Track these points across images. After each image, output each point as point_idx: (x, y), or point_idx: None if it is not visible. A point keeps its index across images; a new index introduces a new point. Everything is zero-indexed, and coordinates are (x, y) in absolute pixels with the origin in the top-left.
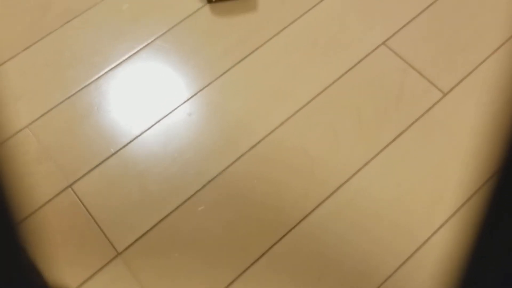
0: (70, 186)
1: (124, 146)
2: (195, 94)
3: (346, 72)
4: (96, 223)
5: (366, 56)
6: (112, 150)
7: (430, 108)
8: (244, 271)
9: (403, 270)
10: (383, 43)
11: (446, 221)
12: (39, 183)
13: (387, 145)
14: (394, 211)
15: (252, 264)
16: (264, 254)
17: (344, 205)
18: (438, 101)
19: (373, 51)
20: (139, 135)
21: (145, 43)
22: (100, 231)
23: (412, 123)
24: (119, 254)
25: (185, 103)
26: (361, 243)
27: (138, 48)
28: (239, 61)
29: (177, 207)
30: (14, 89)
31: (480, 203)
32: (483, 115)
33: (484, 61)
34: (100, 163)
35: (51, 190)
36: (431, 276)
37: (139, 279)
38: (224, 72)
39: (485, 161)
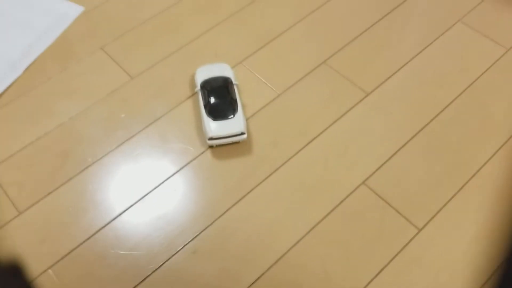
0: None
1: (143, 280)
2: (200, 233)
3: (331, 211)
4: None
5: (348, 195)
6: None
7: (407, 244)
8: None
9: None
10: (363, 182)
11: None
12: None
13: (372, 279)
14: None
15: None
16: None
17: None
18: (414, 237)
19: (354, 190)
20: (154, 271)
21: (155, 186)
22: None
23: (392, 259)
24: None
25: (191, 242)
26: None
27: (150, 190)
28: (237, 201)
29: None
30: (38, 233)
31: None
32: (454, 249)
33: (453, 196)
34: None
35: None
36: None
37: None
38: (224, 213)
39: None
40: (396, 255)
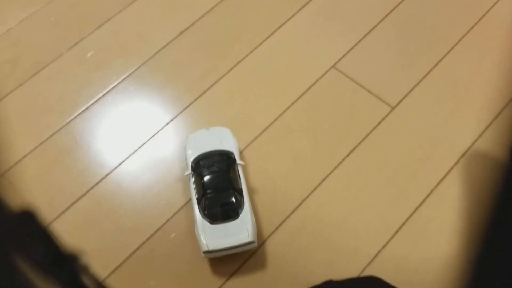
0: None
1: (95, 185)
2: (159, 131)
3: (300, 96)
4: None
5: (318, 80)
6: (85, 190)
7: (379, 122)
8: None
9: (366, 272)
10: (333, 66)
11: (402, 225)
12: None
13: (342, 161)
14: (353, 221)
15: (221, 285)
16: (232, 275)
17: (308, 219)
18: (387, 115)
19: (323, 75)
20: (109, 173)
21: (111, 87)
22: None
23: (365, 137)
24: None
25: (151, 139)
26: (324, 252)
27: (104, 92)
28: (202, 94)
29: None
30: None
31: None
32: (429, 124)
33: (427, 74)
34: (73, 203)
35: None
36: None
37: None
38: (188, 105)
39: (433, 166)
40: (369, 133)
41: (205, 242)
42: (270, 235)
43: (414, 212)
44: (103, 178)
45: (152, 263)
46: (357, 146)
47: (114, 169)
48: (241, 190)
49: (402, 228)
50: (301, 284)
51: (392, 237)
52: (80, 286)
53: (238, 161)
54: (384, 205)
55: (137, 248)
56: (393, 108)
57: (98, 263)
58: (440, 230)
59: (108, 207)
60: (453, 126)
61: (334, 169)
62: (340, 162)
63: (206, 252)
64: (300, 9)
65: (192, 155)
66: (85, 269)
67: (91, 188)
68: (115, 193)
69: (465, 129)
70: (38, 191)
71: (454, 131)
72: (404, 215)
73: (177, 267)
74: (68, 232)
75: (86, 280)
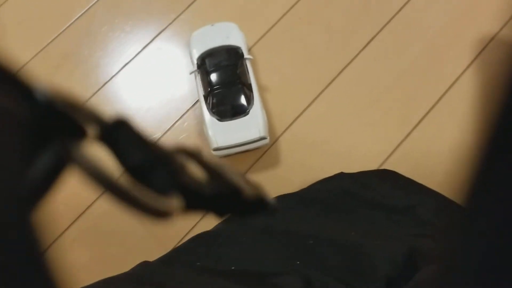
0: None
1: (99, 89)
2: (163, 30)
3: None
4: None
5: None
6: (90, 94)
7: (398, 12)
8: None
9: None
10: None
11: (424, 117)
12: None
13: (358, 53)
14: (370, 113)
15: None
16: (245, 173)
17: (323, 113)
18: (406, 3)
19: None
20: (113, 76)
21: None
22: None
23: (382, 28)
24: None
25: (154, 40)
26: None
27: None
28: None
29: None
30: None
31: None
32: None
33: None
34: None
35: None
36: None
37: None
38: (193, 2)
39: (455, 55)
40: (387, 23)
41: (214, 139)
42: (283, 133)
43: (433, 106)
44: (106, 82)
45: None
46: (374, 37)
47: (118, 72)
48: (250, 85)
49: (421, 123)
50: (315, 179)
51: (410, 132)
52: (178, 186)
53: (246, 55)
54: (404, 98)
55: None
56: None
57: None
58: (457, 124)
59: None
60: (478, 11)
61: (350, 62)
62: (357, 55)
63: (216, 150)
64: None
65: (197, 53)
66: (183, 169)
67: (96, 92)
68: (120, 97)
69: (490, 15)
70: None
71: (480, 15)
72: (427, 107)
73: None
74: None
75: (184, 180)
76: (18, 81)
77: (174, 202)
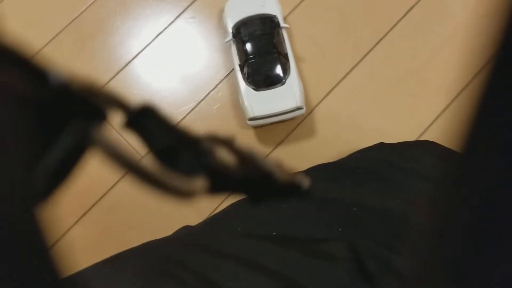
0: None
1: (131, 60)
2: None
3: None
4: None
5: None
6: (122, 64)
7: None
8: None
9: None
10: None
11: (464, 88)
12: None
13: (398, 21)
14: (410, 83)
15: (268, 154)
16: (280, 143)
17: (359, 85)
18: None
19: None
20: (145, 47)
21: None
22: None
23: None
24: None
25: (187, 9)
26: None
27: None
28: None
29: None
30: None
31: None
32: None
33: None
34: (109, 80)
35: None
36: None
37: None
38: None
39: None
40: None
41: (250, 109)
42: (318, 104)
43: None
44: (139, 53)
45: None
46: (415, 4)
47: (151, 41)
48: (286, 54)
49: (463, 93)
50: (352, 150)
51: (449, 104)
52: (204, 168)
53: (282, 24)
54: (444, 68)
55: (181, 120)
56: None
57: None
58: None
59: (146, 82)
60: None
61: (388, 32)
62: (395, 24)
63: (251, 119)
64: None
65: (231, 22)
66: (210, 152)
67: (128, 63)
68: (152, 68)
69: None
70: (75, 68)
71: None
72: (464, 80)
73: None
74: None
75: (211, 162)
76: (31, 65)
77: (199, 183)
